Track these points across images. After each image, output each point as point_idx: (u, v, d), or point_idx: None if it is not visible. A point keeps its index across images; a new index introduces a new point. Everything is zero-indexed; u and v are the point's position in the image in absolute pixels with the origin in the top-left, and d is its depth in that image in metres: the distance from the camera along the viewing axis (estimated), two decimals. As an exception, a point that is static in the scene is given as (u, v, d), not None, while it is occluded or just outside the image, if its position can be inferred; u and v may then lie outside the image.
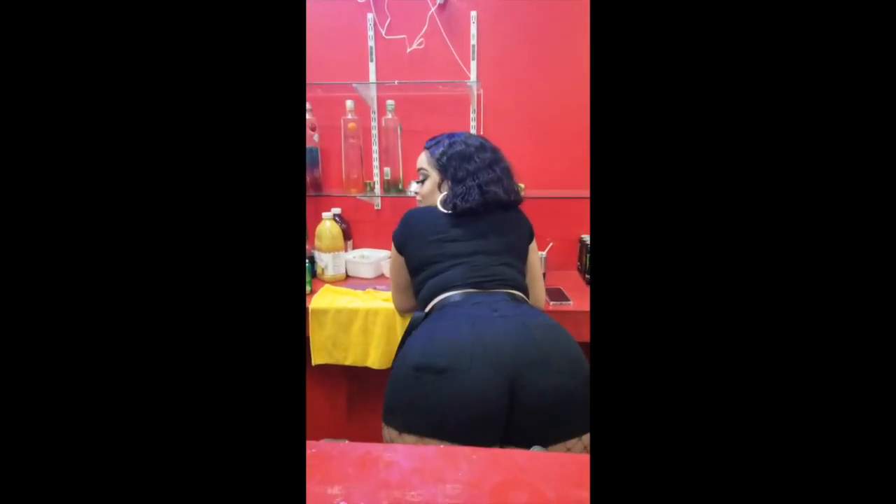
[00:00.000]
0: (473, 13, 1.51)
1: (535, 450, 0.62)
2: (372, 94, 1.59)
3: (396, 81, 1.52)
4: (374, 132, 1.62)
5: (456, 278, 0.93)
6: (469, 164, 1.00)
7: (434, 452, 0.53)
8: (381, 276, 1.56)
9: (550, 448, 0.75)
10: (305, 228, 1.54)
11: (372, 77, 1.58)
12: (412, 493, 0.46)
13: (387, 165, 1.55)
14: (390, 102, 1.49)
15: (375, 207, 1.69)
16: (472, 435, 0.73)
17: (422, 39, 1.54)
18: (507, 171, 1.04)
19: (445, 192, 1.02)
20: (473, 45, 1.53)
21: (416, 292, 1.00)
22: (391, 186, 1.55)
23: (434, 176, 1.05)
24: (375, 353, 1.29)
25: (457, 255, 0.95)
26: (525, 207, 1.09)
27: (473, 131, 1.57)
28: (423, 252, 0.98)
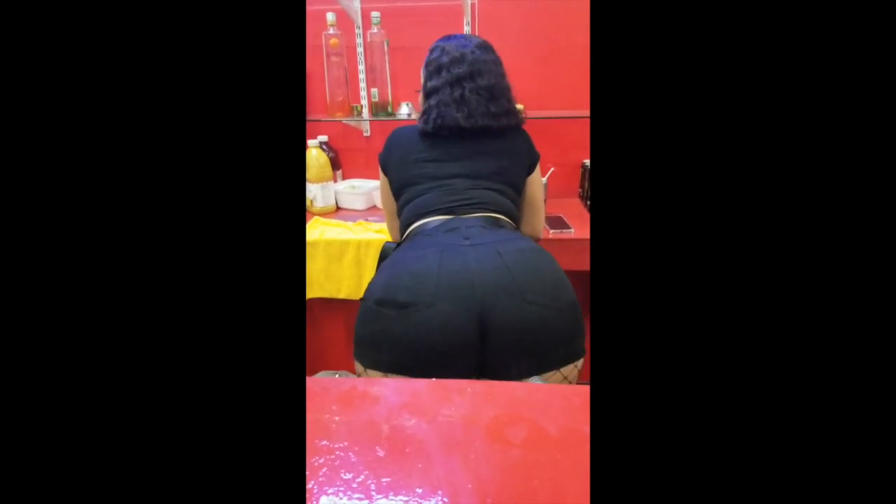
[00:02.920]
0: None
1: (534, 381, 0.59)
2: (355, 4, 1.43)
3: (381, -12, 1.36)
4: (360, 49, 1.48)
5: (431, 203, 0.85)
6: (437, 79, 0.87)
7: (424, 386, 0.49)
8: (373, 207, 1.49)
9: (528, 381, 0.70)
10: (305, 153, 1.45)
11: (354, -16, 1.42)
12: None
13: (374, 86, 1.43)
14: (375, 14, 1.35)
15: (364, 134, 1.58)
16: (438, 371, 0.68)
17: (408, -62, 1.37)
18: (489, 90, 0.86)
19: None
20: (467, -56, 1.36)
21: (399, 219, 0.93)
22: (379, 109, 1.43)
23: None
24: (369, 287, 1.26)
25: (435, 178, 0.86)
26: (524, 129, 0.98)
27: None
28: (403, 173, 0.89)
